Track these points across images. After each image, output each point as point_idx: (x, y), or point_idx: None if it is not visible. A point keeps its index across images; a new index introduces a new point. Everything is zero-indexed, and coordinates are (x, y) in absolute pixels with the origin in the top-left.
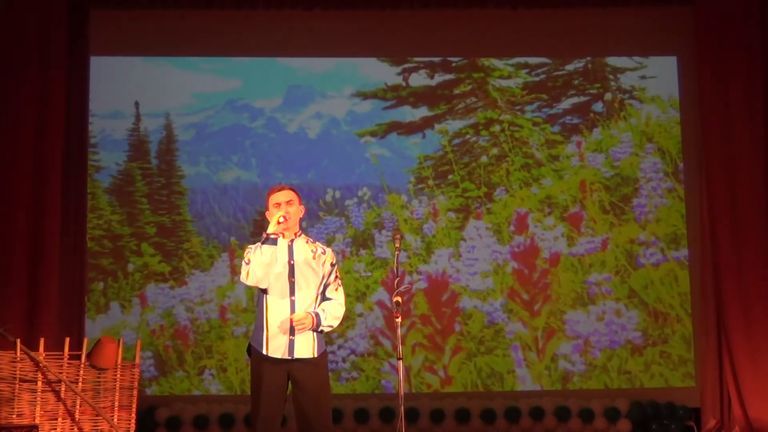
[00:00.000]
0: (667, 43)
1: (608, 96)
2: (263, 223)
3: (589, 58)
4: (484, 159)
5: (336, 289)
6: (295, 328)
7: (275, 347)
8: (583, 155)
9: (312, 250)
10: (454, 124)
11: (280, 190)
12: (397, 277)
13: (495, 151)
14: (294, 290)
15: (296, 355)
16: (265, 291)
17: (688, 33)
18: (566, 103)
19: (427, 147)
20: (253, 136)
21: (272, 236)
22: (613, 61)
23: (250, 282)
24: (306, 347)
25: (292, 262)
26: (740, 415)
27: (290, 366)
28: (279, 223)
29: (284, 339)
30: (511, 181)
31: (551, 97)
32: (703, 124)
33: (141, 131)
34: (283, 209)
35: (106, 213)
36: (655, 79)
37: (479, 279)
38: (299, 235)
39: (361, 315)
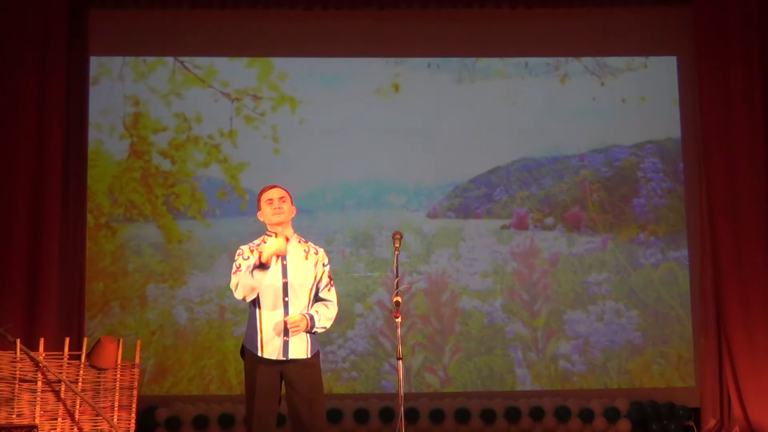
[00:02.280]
0: (667, 43)
1: (608, 95)
2: (262, 225)
3: (589, 58)
4: (484, 158)
5: (329, 290)
6: (290, 330)
7: (269, 349)
8: (583, 155)
9: (304, 251)
10: (455, 124)
11: (272, 188)
12: (397, 277)
13: (495, 150)
14: (287, 292)
15: (290, 356)
16: (258, 291)
17: (688, 33)
18: (566, 103)
19: (427, 146)
20: (253, 135)
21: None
22: (613, 61)
23: (236, 296)
24: (300, 348)
25: (284, 263)
26: (740, 415)
27: (284, 367)
28: (274, 214)
29: (278, 341)
30: (511, 181)
31: (552, 97)
32: (703, 124)
33: (141, 131)
34: (276, 204)
35: (106, 213)
36: (655, 79)
37: (479, 279)
38: (292, 236)
39: (361, 315)
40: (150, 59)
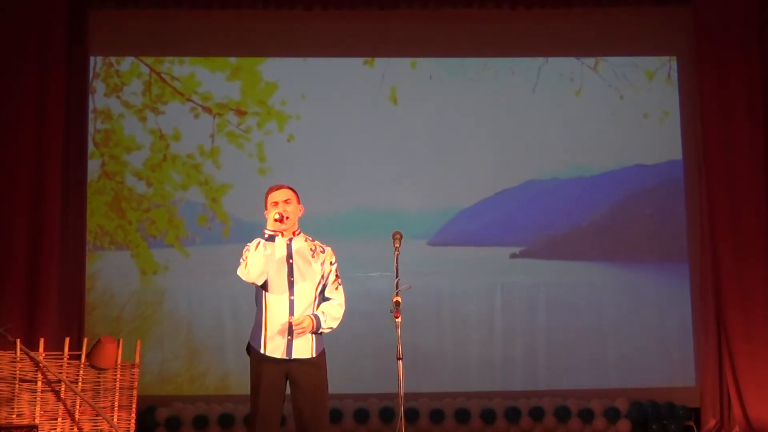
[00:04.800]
0: (667, 43)
1: (608, 95)
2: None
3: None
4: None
5: (336, 289)
6: (295, 331)
7: (273, 347)
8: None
9: (311, 249)
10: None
11: (278, 189)
12: (397, 277)
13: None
14: (293, 289)
15: (294, 356)
16: (264, 289)
17: (688, 33)
18: (567, 103)
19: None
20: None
21: (270, 233)
22: (613, 61)
23: (245, 278)
24: (304, 347)
25: (290, 261)
26: (740, 415)
27: (289, 366)
28: (276, 220)
29: (282, 339)
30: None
31: (553, 97)
32: (703, 124)
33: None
34: (280, 208)
35: (106, 212)
36: (655, 79)
37: (480, 278)
38: (298, 234)
39: (361, 314)
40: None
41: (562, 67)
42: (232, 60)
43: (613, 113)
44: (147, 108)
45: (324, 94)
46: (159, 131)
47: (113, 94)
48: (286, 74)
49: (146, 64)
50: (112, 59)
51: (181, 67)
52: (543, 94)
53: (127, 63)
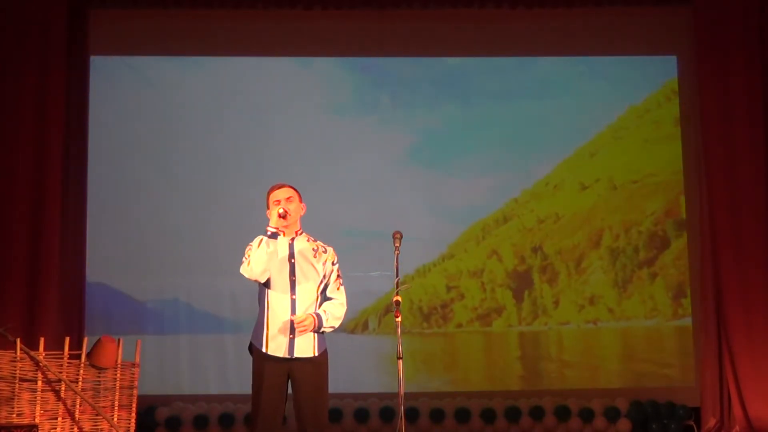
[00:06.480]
0: (667, 43)
1: (609, 95)
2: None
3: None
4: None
5: (337, 289)
6: (297, 329)
7: (275, 346)
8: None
9: (313, 249)
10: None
11: (279, 188)
12: (397, 277)
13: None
14: (295, 289)
15: (296, 354)
16: (266, 287)
17: (688, 33)
18: (567, 103)
19: (428, 147)
20: (253, 136)
21: (273, 231)
22: (614, 61)
23: (248, 275)
24: (306, 346)
25: (292, 261)
26: (740, 415)
27: (291, 365)
28: (280, 216)
29: (284, 338)
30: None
31: (553, 97)
32: (703, 124)
33: (141, 131)
34: (282, 206)
35: (105, 212)
36: (655, 79)
37: (481, 281)
38: (300, 233)
39: (361, 314)
40: (151, 58)
41: (568, 71)
42: (224, 64)
43: (621, 120)
44: (135, 115)
45: (321, 98)
46: (148, 139)
47: (101, 100)
48: (281, 79)
49: (134, 69)
50: (99, 64)
51: (171, 72)
52: (548, 98)
53: (114, 68)
